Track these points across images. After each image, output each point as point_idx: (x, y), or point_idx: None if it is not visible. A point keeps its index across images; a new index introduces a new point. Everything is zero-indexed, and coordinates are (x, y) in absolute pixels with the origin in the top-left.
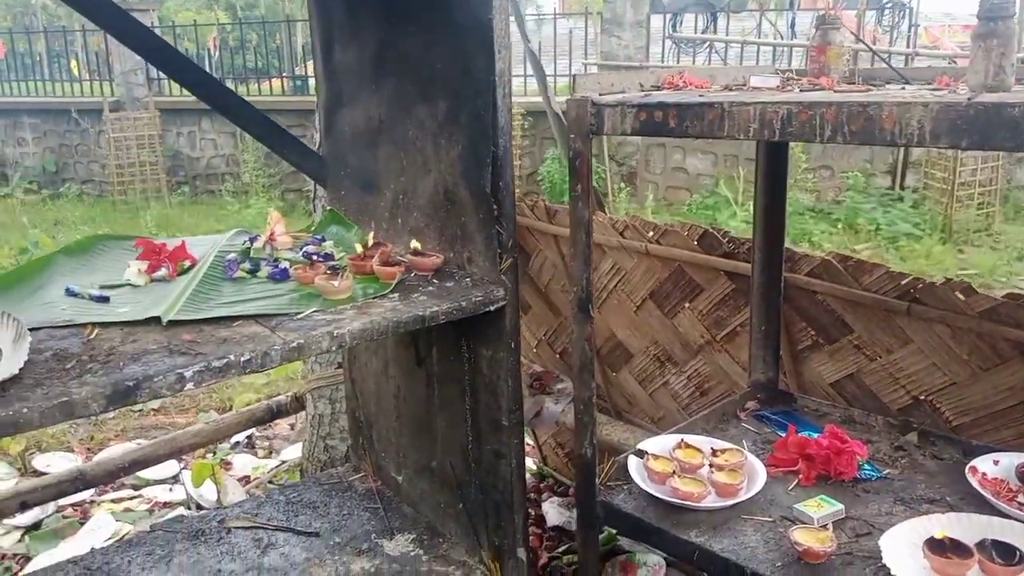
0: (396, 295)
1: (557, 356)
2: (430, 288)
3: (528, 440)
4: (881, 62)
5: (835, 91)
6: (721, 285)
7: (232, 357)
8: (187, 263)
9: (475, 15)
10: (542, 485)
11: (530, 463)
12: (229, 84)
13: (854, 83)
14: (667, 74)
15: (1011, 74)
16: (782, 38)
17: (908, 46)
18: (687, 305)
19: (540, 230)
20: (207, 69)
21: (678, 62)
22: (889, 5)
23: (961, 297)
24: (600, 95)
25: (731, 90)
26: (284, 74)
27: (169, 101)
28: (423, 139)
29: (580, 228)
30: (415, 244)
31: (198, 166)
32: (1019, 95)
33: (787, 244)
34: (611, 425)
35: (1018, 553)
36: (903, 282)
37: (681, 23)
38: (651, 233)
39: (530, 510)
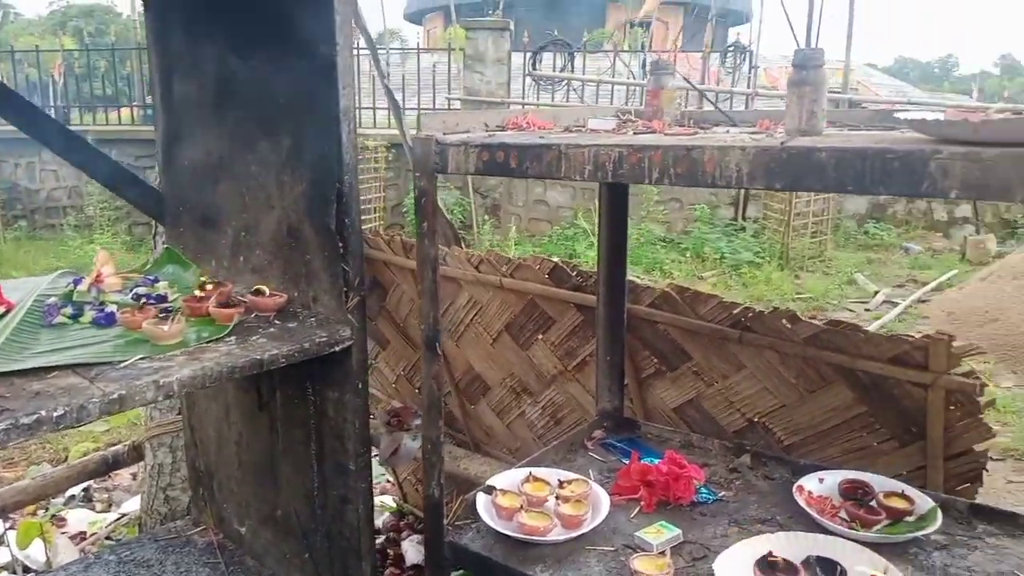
0: (233, 338)
1: (416, 391)
2: (271, 330)
3: (388, 478)
4: (716, 103)
5: (665, 134)
6: (571, 317)
7: (43, 413)
8: (1, 309)
9: (319, 51)
10: (402, 523)
11: (389, 501)
12: (75, 113)
13: (684, 125)
14: (511, 115)
15: (822, 119)
16: (634, 78)
17: (748, 87)
18: (540, 337)
19: (398, 264)
20: (51, 98)
21: (538, 99)
22: (731, 49)
23: (787, 325)
24: (445, 135)
25: (571, 132)
26: (135, 103)
27: (5, 130)
28: (266, 175)
29: (427, 266)
30: (257, 284)
31: (37, 199)
32: (828, 139)
33: (639, 274)
34: (469, 459)
35: (839, 568)
36: (735, 311)
37: (540, 61)
38: (505, 267)
39: (389, 550)
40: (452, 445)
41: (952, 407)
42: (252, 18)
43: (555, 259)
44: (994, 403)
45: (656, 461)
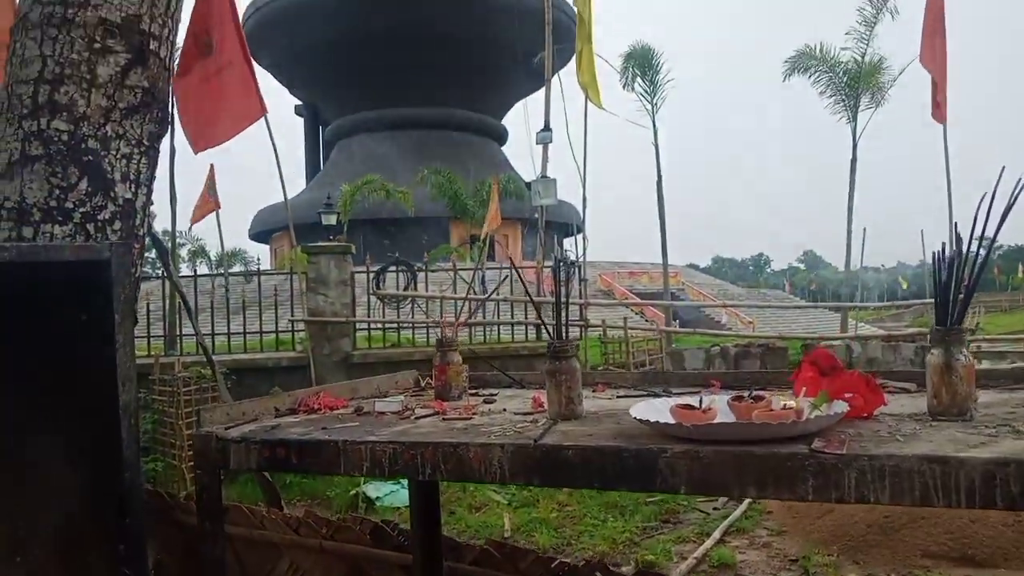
0: None
1: None
2: None
3: None
4: (501, 370)
5: (444, 418)
6: None
7: None
8: None
9: (97, 346)
10: None
11: None
12: None
13: (465, 406)
14: (305, 394)
15: (580, 402)
16: (475, 292)
17: (580, 297)
18: None
19: None
20: None
21: (383, 315)
22: (560, 262)
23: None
24: (228, 428)
25: (360, 414)
26: None
27: None
28: (45, 468)
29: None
30: None
31: None
32: (585, 424)
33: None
34: None
35: None
36: (552, 565)
37: (384, 281)
38: (325, 529)
39: None
40: None
41: None
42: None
43: (374, 520)
44: None
45: None
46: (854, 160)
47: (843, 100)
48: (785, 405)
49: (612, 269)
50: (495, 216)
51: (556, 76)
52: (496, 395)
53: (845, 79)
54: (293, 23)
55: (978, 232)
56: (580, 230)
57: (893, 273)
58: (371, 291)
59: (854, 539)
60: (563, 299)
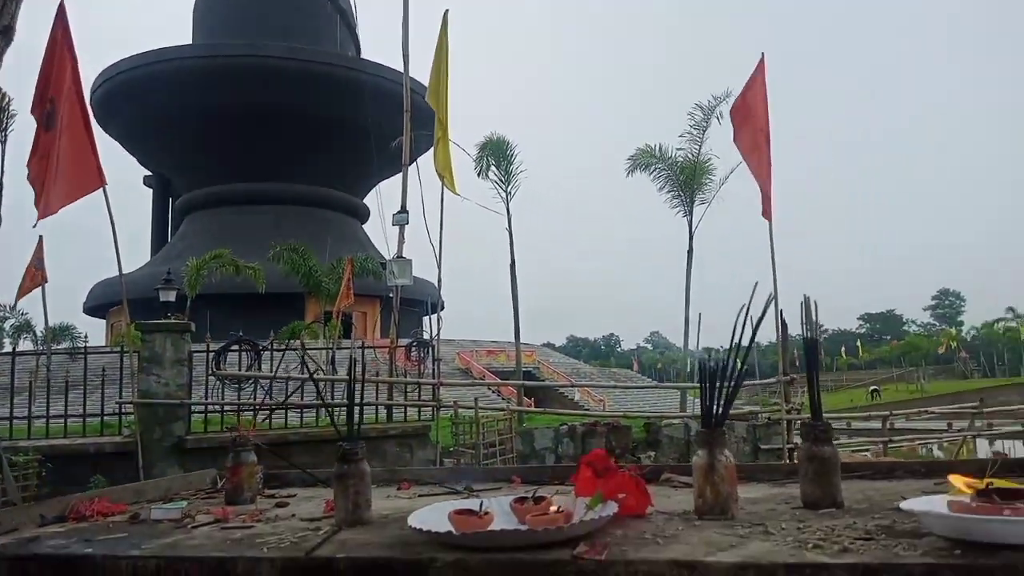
0: None
1: None
2: None
3: None
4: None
5: (223, 527)
6: None
7: None
8: None
9: None
10: None
11: None
12: None
13: (252, 511)
14: (77, 500)
15: (367, 508)
16: (323, 372)
17: (434, 376)
18: None
19: None
20: None
21: (223, 397)
22: (415, 344)
23: None
24: None
25: (135, 521)
26: None
27: None
28: None
29: None
30: None
31: None
32: (370, 531)
33: None
34: None
35: None
36: None
37: (226, 360)
38: None
39: None
40: None
41: None
42: None
43: None
44: None
45: None
46: (690, 251)
47: (679, 195)
48: (559, 507)
49: (471, 347)
50: (346, 293)
51: (415, 161)
52: (293, 496)
53: (681, 177)
54: (144, 94)
55: (745, 335)
56: (437, 309)
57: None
58: (210, 371)
59: None
60: (356, 394)
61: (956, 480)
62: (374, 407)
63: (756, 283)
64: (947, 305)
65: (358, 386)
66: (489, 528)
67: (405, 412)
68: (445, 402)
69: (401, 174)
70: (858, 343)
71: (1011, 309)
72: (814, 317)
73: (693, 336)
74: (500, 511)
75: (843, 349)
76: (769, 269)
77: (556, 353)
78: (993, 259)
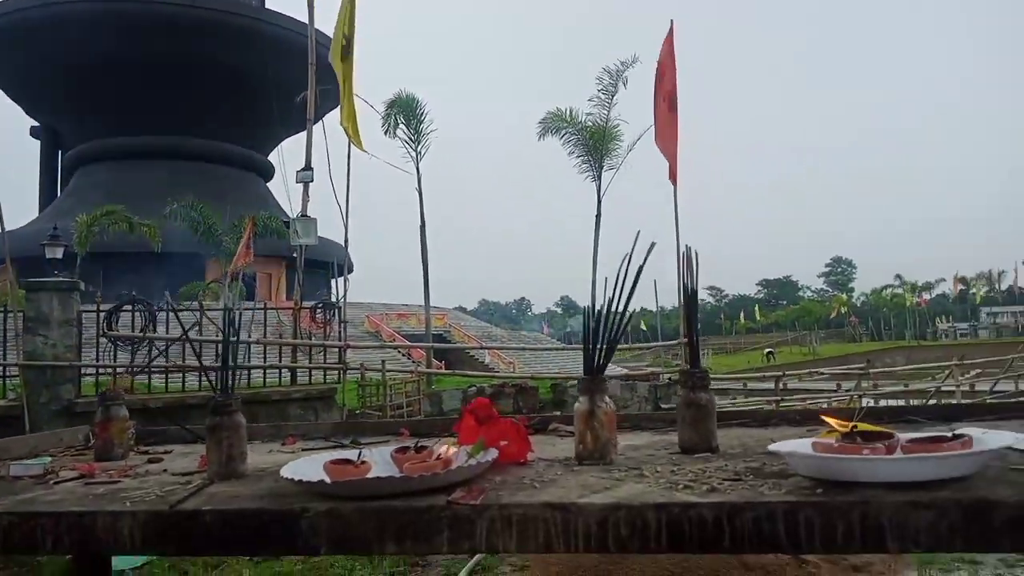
0: None
1: None
2: None
3: None
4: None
5: (87, 482)
6: None
7: None
8: None
9: None
10: None
11: None
12: None
13: (121, 467)
14: None
15: (242, 461)
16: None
17: (340, 339)
18: None
19: None
20: None
21: (115, 360)
22: (320, 305)
23: None
24: None
25: None
26: None
27: None
28: None
29: None
30: None
31: None
32: (243, 484)
33: None
34: None
35: None
36: None
37: (118, 320)
38: None
39: None
40: None
41: None
42: None
43: None
44: None
45: None
46: (599, 216)
47: (589, 160)
48: (439, 455)
49: (381, 311)
50: (245, 253)
51: (321, 120)
52: (169, 452)
53: (591, 141)
54: (28, 40)
55: (622, 292)
56: (345, 271)
57: (636, 317)
58: (101, 332)
59: (589, 570)
60: (232, 346)
61: (829, 420)
62: (277, 370)
63: (653, 243)
64: (839, 272)
65: (234, 343)
66: (364, 477)
67: (310, 375)
68: (352, 365)
69: (306, 131)
70: (756, 308)
71: (899, 276)
72: (695, 268)
73: (599, 301)
74: (381, 461)
75: (742, 314)
76: (675, 234)
77: (468, 317)
78: (883, 230)
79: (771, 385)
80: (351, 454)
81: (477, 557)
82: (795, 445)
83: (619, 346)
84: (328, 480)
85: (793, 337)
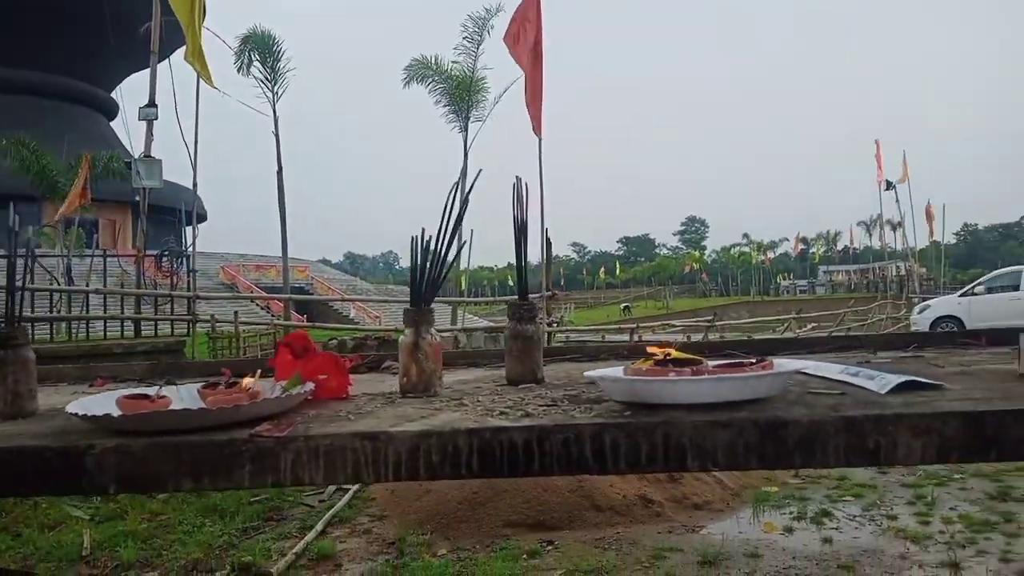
0: None
1: None
2: None
3: None
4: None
5: None
6: None
7: None
8: None
9: None
10: None
11: None
12: None
13: None
14: None
15: (30, 399)
16: (59, 283)
17: (189, 289)
18: None
19: None
20: None
21: None
22: (166, 253)
23: None
24: None
25: None
26: None
27: None
28: None
29: None
30: None
31: None
32: (30, 424)
33: None
34: None
35: None
36: None
37: None
38: None
39: None
40: None
41: None
42: None
43: None
44: None
45: None
46: (464, 168)
47: (456, 110)
48: (247, 389)
49: (237, 261)
50: (81, 194)
51: (168, 57)
52: None
53: (457, 91)
54: None
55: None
56: (194, 218)
57: (504, 272)
58: None
59: (446, 516)
60: (17, 266)
61: (649, 350)
62: (120, 322)
63: (480, 170)
64: (693, 231)
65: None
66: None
67: (155, 327)
68: (203, 317)
69: (150, 65)
70: (616, 264)
71: (746, 235)
72: (524, 200)
73: (466, 253)
74: (188, 397)
75: (603, 269)
76: (539, 188)
77: (331, 269)
78: (735, 191)
79: (627, 337)
80: (152, 391)
81: (334, 508)
82: (608, 371)
83: (484, 300)
84: (116, 415)
85: (649, 292)
